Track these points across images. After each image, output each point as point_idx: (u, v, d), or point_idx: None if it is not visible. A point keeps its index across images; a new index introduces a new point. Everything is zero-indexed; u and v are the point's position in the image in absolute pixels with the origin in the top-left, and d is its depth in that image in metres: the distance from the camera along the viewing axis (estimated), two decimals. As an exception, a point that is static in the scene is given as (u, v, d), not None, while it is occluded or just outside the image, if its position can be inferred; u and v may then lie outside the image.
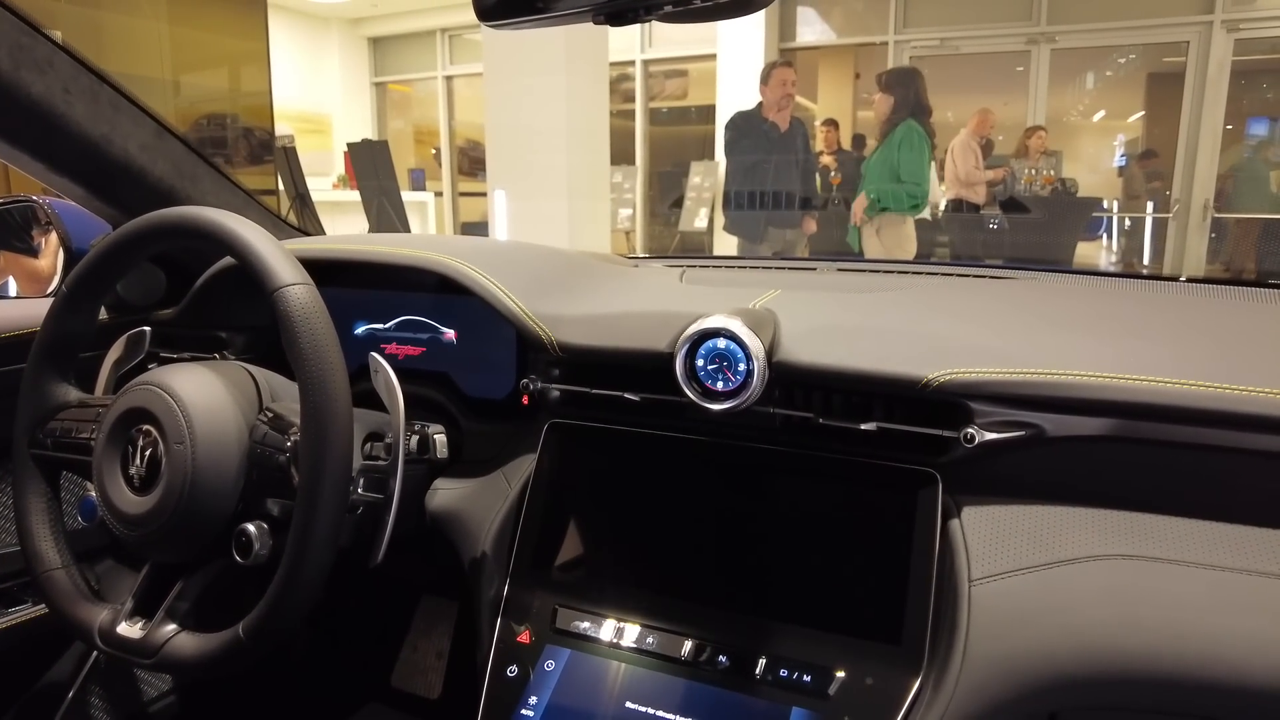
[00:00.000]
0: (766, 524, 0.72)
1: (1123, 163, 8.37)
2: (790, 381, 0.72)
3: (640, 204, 8.67)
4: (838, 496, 0.71)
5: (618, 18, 0.53)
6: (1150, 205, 7.41)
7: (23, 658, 0.99)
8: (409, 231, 6.16)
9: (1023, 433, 0.66)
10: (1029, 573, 0.63)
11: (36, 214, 1.20)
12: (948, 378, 0.66)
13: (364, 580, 0.66)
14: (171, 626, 0.69)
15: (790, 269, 1.15)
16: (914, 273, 1.09)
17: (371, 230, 6.19)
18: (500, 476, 0.84)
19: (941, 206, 5.74)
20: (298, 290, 0.66)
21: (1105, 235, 7.89)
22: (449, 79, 9.70)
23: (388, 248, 0.91)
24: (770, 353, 0.70)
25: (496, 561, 0.78)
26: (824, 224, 4.68)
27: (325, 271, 0.99)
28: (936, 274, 1.07)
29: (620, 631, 0.72)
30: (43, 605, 0.96)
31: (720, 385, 0.70)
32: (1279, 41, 6.70)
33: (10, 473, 1.03)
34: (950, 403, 0.67)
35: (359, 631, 1.37)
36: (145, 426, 0.71)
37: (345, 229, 7.45)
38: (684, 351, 0.71)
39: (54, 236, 1.18)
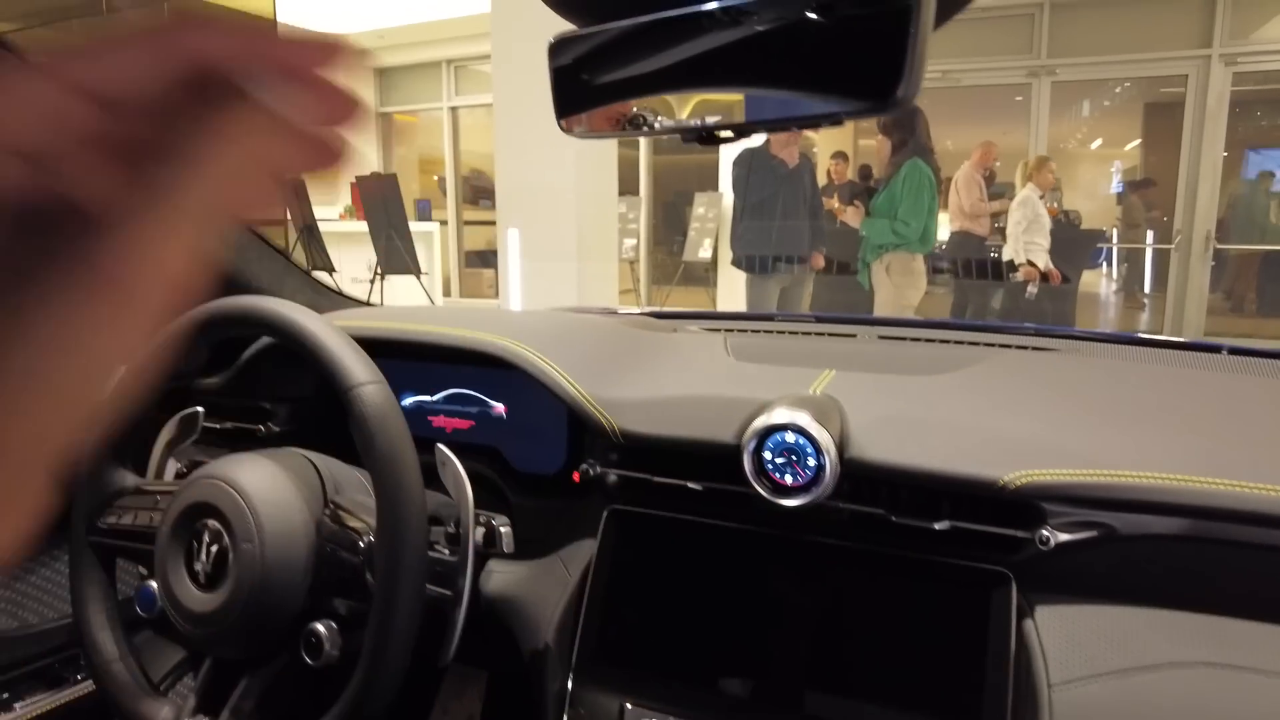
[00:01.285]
0: (835, 622, 0.72)
1: (1119, 189, 8.44)
2: (859, 476, 0.71)
3: (645, 233, 8.72)
4: (908, 595, 0.70)
5: (706, 140, 0.53)
6: (1150, 235, 7.46)
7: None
8: (417, 265, 6.18)
9: (1096, 533, 0.66)
10: (1109, 678, 0.62)
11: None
12: (1024, 480, 0.66)
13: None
14: None
15: (830, 335, 1.15)
16: (955, 341, 1.09)
17: (379, 262, 6.21)
18: (558, 562, 0.83)
19: (945, 239, 5.76)
20: (371, 391, 0.65)
21: (1105, 265, 7.94)
22: (454, 110, 9.79)
23: (447, 329, 0.91)
24: (841, 447, 0.70)
25: (559, 654, 0.78)
26: (832, 255, 4.70)
27: (379, 344, 0.99)
28: (979, 344, 1.07)
29: None
30: (87, 683, 0.95)
31: (789, 479, 0.70)
32: (1277, 74, 6.78)
33: (49, 548, 1.03)
34: (1024, 504, 0.67)
35: None
36: (211, 522, 0.70)
37: (352, 260, 7.47)
38: (752, 445, 0.71)
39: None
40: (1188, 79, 6.93)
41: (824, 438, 0.68)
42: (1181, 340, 1.16)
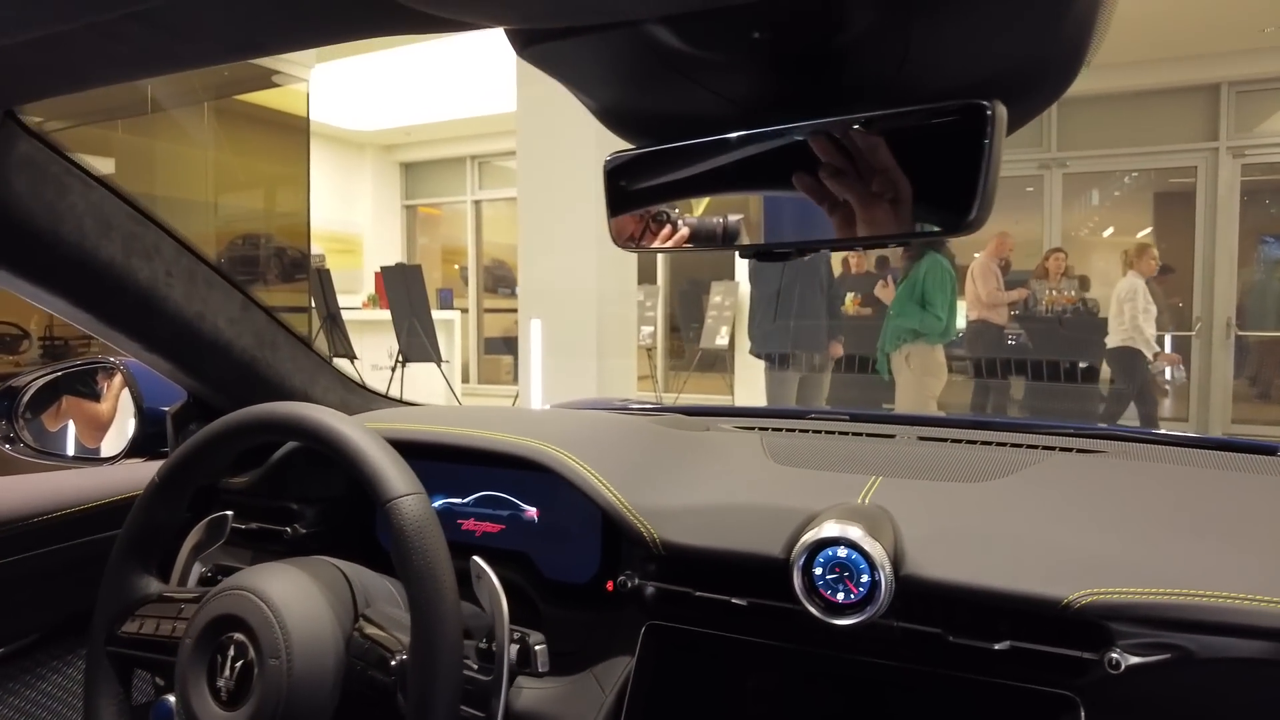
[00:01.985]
0: None
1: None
2: (913, 594, 0.68)
3: (662, 321, 8.80)
4: None
5: (765, 255, 0.53)
6: (1169, 322, 7.44)
7: None
8: (438, 353, 6.24)
9: (1169, 655, 0.62)
10: None
11: (112, 374, 1.21)
12: (1090, 599, 0.62)
13: None
14: None
15: (868, 435, 1.13)
16: (997, 443, 1.06)
17: (401, 350, 6.28)
18: (591, 679, 0.79)
19: (962, 328, 5.76)
20: (411, 503, 0.64)
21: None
22: (477, 203, 10.07)
23: (482, 431, 0.90)
24: (896, 563, 0.67)
25: None
26: (850, 344, 4.71)
27: (412, 446, 0.98)
28: (1022, 445, 1.04)
29: None
30: None
31: (841, 597, 0.67)
32: (1285, 167, 6.88)
33: (63, 653, 1.00)
34: (1088, 623, 0.64)
35: None
36: (237, 635, 0.67)
37: (374, 347, 7.56)
38: (801, 561, 0.68)
39: (126, 396, 1.18)
40: (1197, 170, 7.05)
41: (878, 553, 0.66)
42: (1233, 440, 1.12)
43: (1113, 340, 5.60)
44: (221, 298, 0.96)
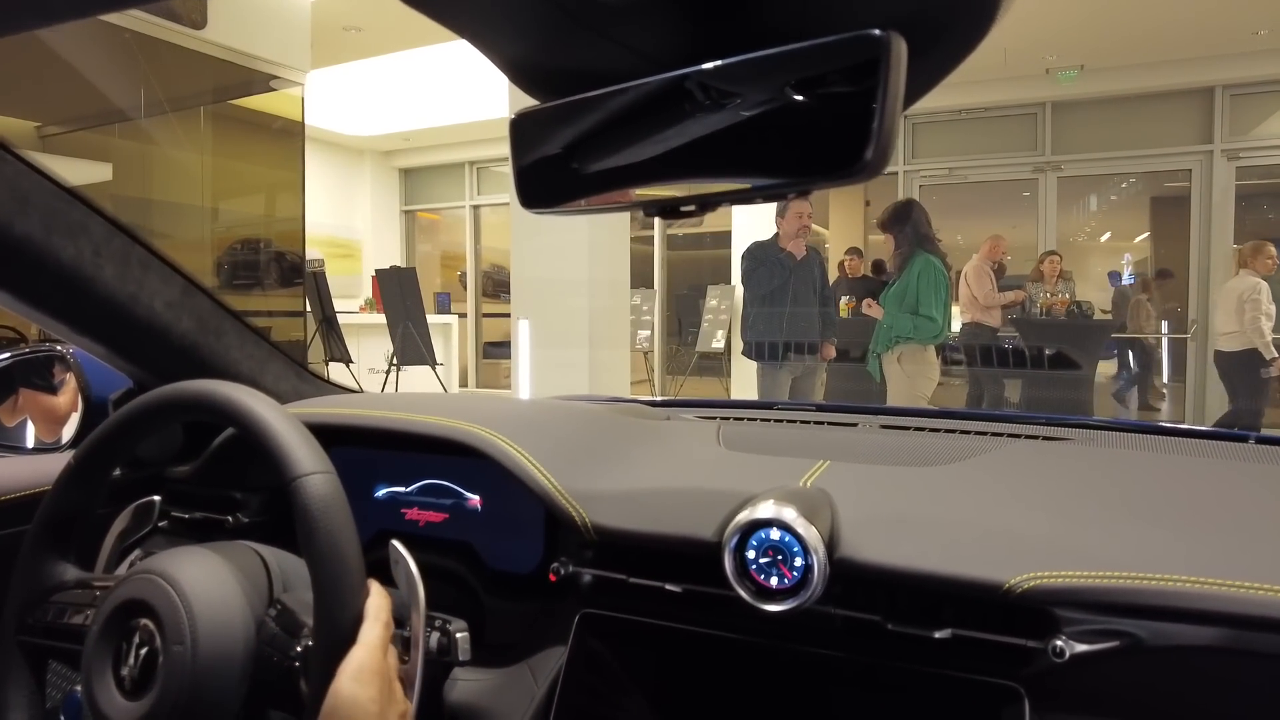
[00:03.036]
0: None
1: (1130, 281, 8.44)
2: (850, 579, 0.65)
3: (658, 325, 8.78)
4: (909, 713, 0.63)
5: (667, 213, 0.50)
6: (1165, 325, 7.41)
7: None
8: (432, 355, 6.21)
9: (1117, 643, 0.59)
10: None
11: (59, 362, 1.18)
12: (1031, 584, 0.59)
13: None
14: None
15: (830, 424, 1.10)
16: (961, 431, 1.03)
17: (396, 352, 6.26)
18: (526, 670, 0.76)
19: (956, 330, 5.72)
20: (317, 481, 0.61)
21: (1117, 355, 7.86)
22: (476, 208, 10.07)
23: (415, 415, 0.87)
24: (831, 546, 0.64)
25: None
26: (843, 344, 4.67)
27: (348, 432, 0.95)
28: (986, 433, 1.02)
29: None
30: None
31: (775, 581, 0.64)
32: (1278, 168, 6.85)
33: None
34: (1032, 609, 0.60)
35: None
36: (143, 621, 0.64)
37: (371, 350, 7.54)
38: (733, 543, 0.65)
39: (72, 384, 1.16)
40: (1191, 173, 7.03)
41: (811, 535, 0.63)
42: (1206, 429, 1.09)
43: (1229, 344, 5.22)
44: (158, 281, 0.94)
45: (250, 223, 7.16)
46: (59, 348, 1.19)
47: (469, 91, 8.05)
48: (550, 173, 0.54)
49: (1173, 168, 7.27)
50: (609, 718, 0.71)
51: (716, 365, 8.12)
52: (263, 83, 6.83)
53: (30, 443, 1.21)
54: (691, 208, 0.48)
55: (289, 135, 7.10)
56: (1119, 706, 0.60)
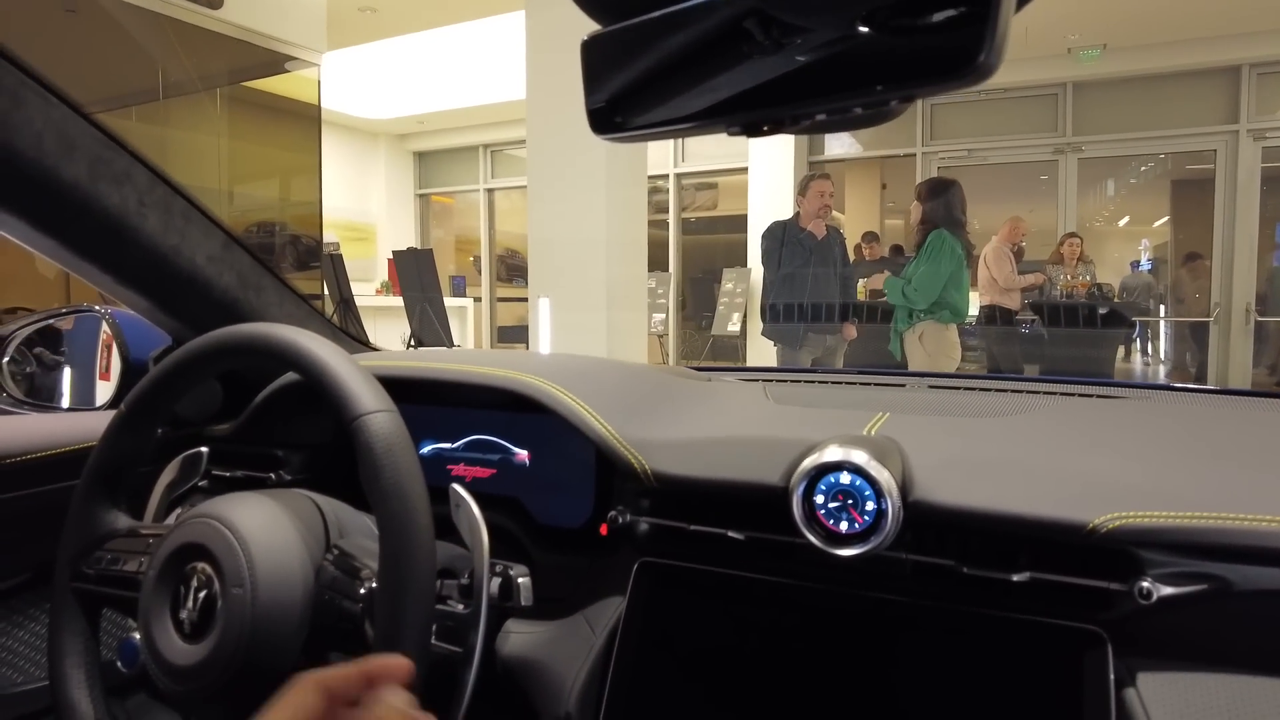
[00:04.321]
0: (898, 691, 0.62)
1: (1149, 267, 8.33)
2: (923, 523, 0.63)
3: (673, 309, 8.75)
4: (984, 659, 0.61)
5: (753, 128, 0.48)
6: (1176, 308, 7.33)
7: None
8: (450, 336, 6.21)
9: (1205, 586, 0.57)
10: None
11: (97, 323, 1.18)
12: (1117, 524, 0.57)
13: None
14: None
15: (878, 385, 1.08)
16: (1014, 390, 1.01)
17: (414, 334, 6.26)
18: (582, 620, 0.75)
19: (975, 313, 5.67)
20: (380, 419, 0.60)
21: (1139, 339, 7.78)
22: (490, 191, 10.05)
23: (467, 366, 0.86)
24: (904, 489, 0.62)
25: None
26: (864, 330, 4.63)
27: (391, 389, 0.94)
28: (1039, 392, 0.99)
29: None
30: None
31: (845, 527, 0.62)
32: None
33: (38, 600, 0.97)
34: (1115, 551, 0.59)
35: None
36: (201, 565, 0.64)
37: (387, 333, 7.55)
38: (801, 488, 0.63)
39: (113, 347, 1.15)
40: (1216, 154, 6.91)
41: (884, 478, 0.61)
42: (1250, 390, 1.07)
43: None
44: (200, 233, 0.92)
45: (267, 206, 7.17)
46: (97, 308, 1.19)
47: (483, 74, 8.01)
48: (625, 97, 0.52)
49: (1197, 148, 7.15)
50: (670, 665, 0.69)
51: (732, 349, 8.08)
52: (278, 64, 6.82)
53: (69, 402, 1.21)
54: (783, 120, 0.45)
55: (305, 118, 7.09)
56: (1203, 652, 0.58)
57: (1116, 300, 7.03)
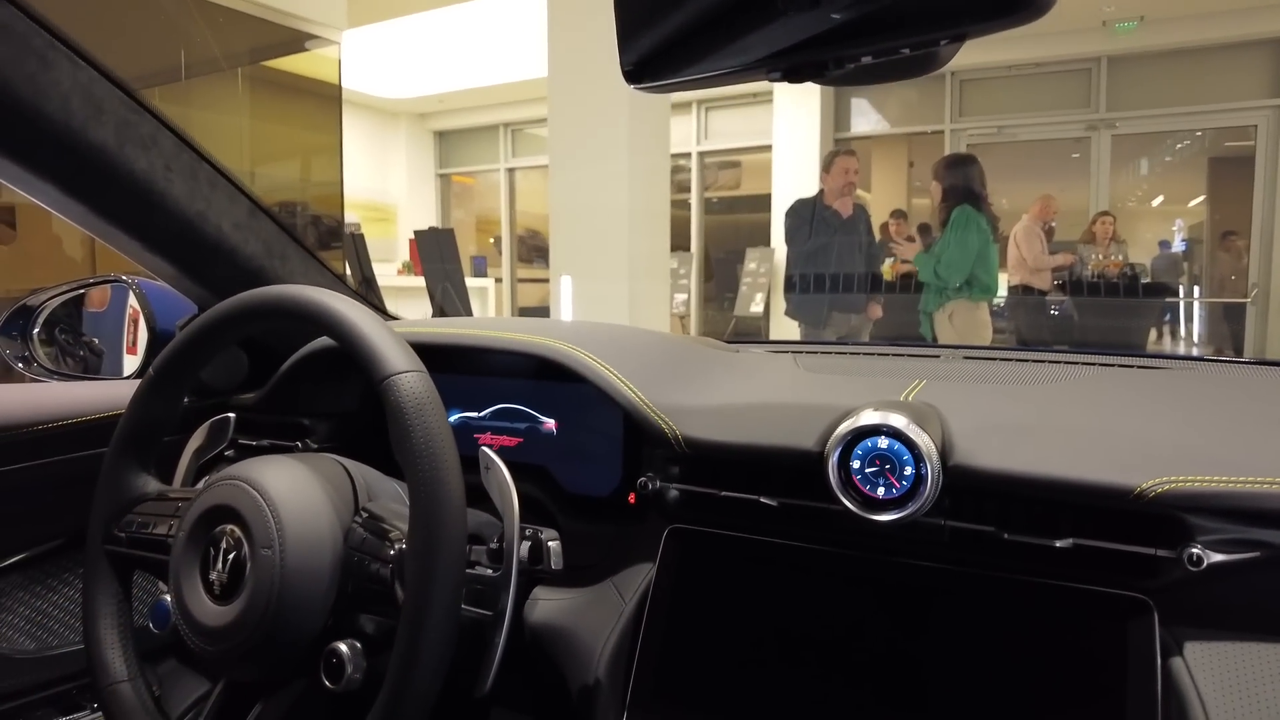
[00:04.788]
0: (935, 659, 0.61)
1: (1183, 247, 8.15)
2: (962, 489, 0.61)
3: (695, 289, 8.71)
4: (1025, 626, 0.59)
5: (795, 73, 0.46)
6: (1206, 289, 7.17)
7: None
8: (470, 313, 6.23)
9: (1257, 554, 0.55)
10: None
11: (125, 294, 1.18)
12: (1166, 488, 0.55)
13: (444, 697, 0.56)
14: None
15: (911, 355, 1.06)
16: (1053, 361, 0.98)
17: (435, 314, 6.28)
18: (611, 587, 0.74)
19: (1004, 293, 5.58)
20: (411, 379, 0.59)
21: (1173, 321, 7.63)
22: (510, 171, 10.03)
23: (497, 333, 0.85)
24: (944, 454, 0.60)
25: (612, 689, 0.68)
26: (891, 307, 4.58)
27: (422, 353, 0.93)
28: (1078, 363, 0.97)
29: None
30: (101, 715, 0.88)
31: (881, 492, 0.61)
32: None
33: (82, 567, 0.98)
34: (1163, 517, 0.57)
35: None
36: (230, 527, 0.63)
37: (409, 313, 7.57)
38: (838, 452, 0.62)
39: (140, 321, 1.15)
40: (1257, 129, 6.73)
41: (924, 441, 0.59)
42: None
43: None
44: (226, 200, 0.92)
45: (288, 186, 7.20)
46: (124, 278, 1.19)
47: (503, 52, 7.97)
48: (661, 43, 0.50)
49: (1238, 123, 6.96)
50: (701, 632, 0.68)
51: (755, 330, 8.04)
52: (299, 42, 6.82)
53: (98, 371, 1.22)
54: (824, 67, 0.43)
55: (325, 97, 7.10)
56: (1252, 621, 0.56)
57: (1149, 281, 6.90)
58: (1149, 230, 9.16)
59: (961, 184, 3.82)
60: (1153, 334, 6.66)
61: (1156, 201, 9.16)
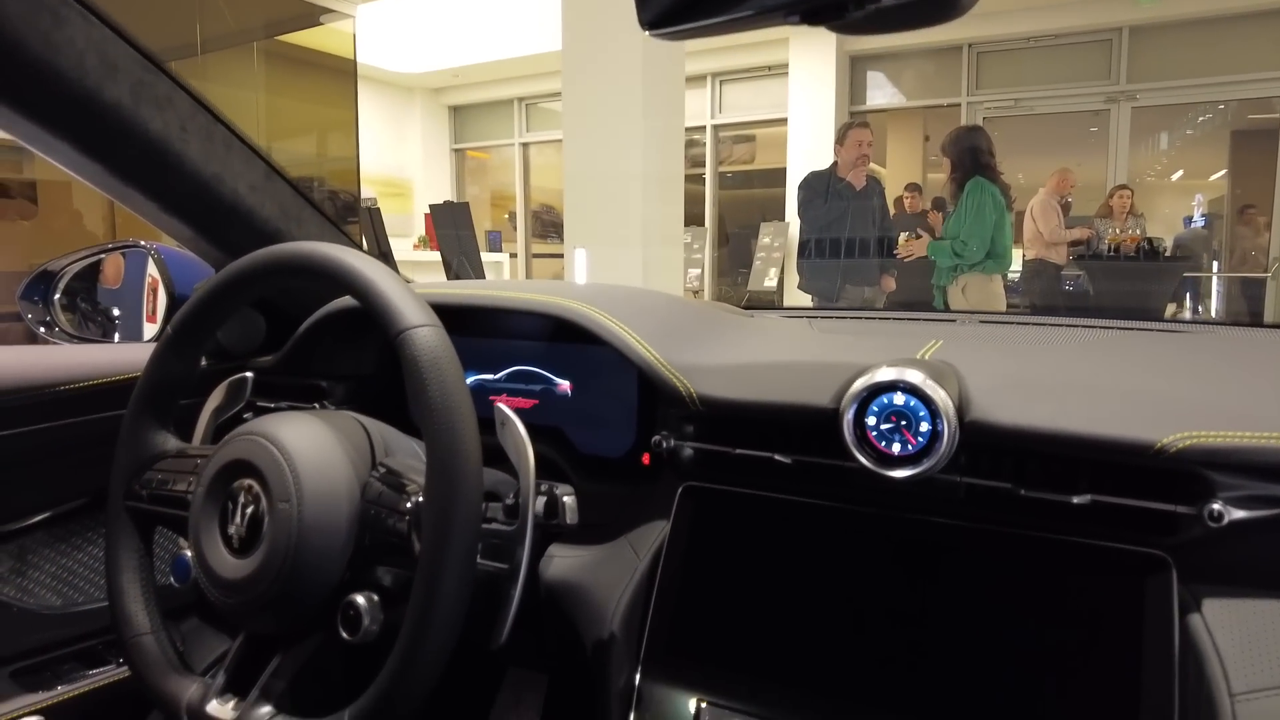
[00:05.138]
0: (948, 615, 0.61)
1: (1203, 222, 8.03)
2: (979, 445, 0.61)
3: (709, 264, 8.68)
4: (1041, 582, 0.59)
5: (814, 16, 0.45)
6: (1223, 263, 7.06)
7: (104, 723, 0.93)
8: (484, 289, 6.23)
9: (1279, 510, 0.55)
10: None
11: (143, 259, 1.19)
12: (1188, 443, 0.55)
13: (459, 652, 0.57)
14: (266, 709, 0.61)
15: (927, 320, 1.05)
16: (1070, 325, 0.98)
17: (447, 288, 6.28)
18: (626, 545, 0.75)
19: (1018, 267, 5.52)
20: (426, 333, 0.59)
21: (1190, 296, 7.54)
22: (525, 146, 9.98)
23: (512, 293, 0.85)
24: (961, 409, 0.60)
25: (626, 645, 0.69)
26: (905, 280, 4.54)
27: (439, 314, 0.93)
28: (1095, 327, 0.96)
29: None
30: (126, 669, 0.90)
31: (897, 449, 0.61)
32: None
33: (104, 524, 0.99)
34: (1183, 473, 0.56)
35: (438, 700, 1.27)
36: (248, 481, 0.64)
37: (421, 287, 7.58)
38: (853, 409, 0.62)
39: (159, 289, 1.16)
40: (1282, 100, 6.59)
41: (940, 397, 0.59)
42: None
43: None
44: (241, 163, 0.92)
45: (304, 162, 7.20)
46: (143, 243, 1.20)
47: (517, 26, 7.90)
48: None
49: (1263, 94, 6.82)
50: (714, 588, 0.69)
51: (769, 305, 8.01)
52: (313, 16, 6.79)
53: (118, 335, 1.23)
54: (845, 7, 0.43)
55: (340, 72, 7.08)
56: (1273, 578, 0.55)
57: (1167, 255, 6.80)
58: (1167, 205, 9.02)
59: (969, 156, 3.77)
60: (1170, 308, 6.59)
61: (1176, 176, 9.02)
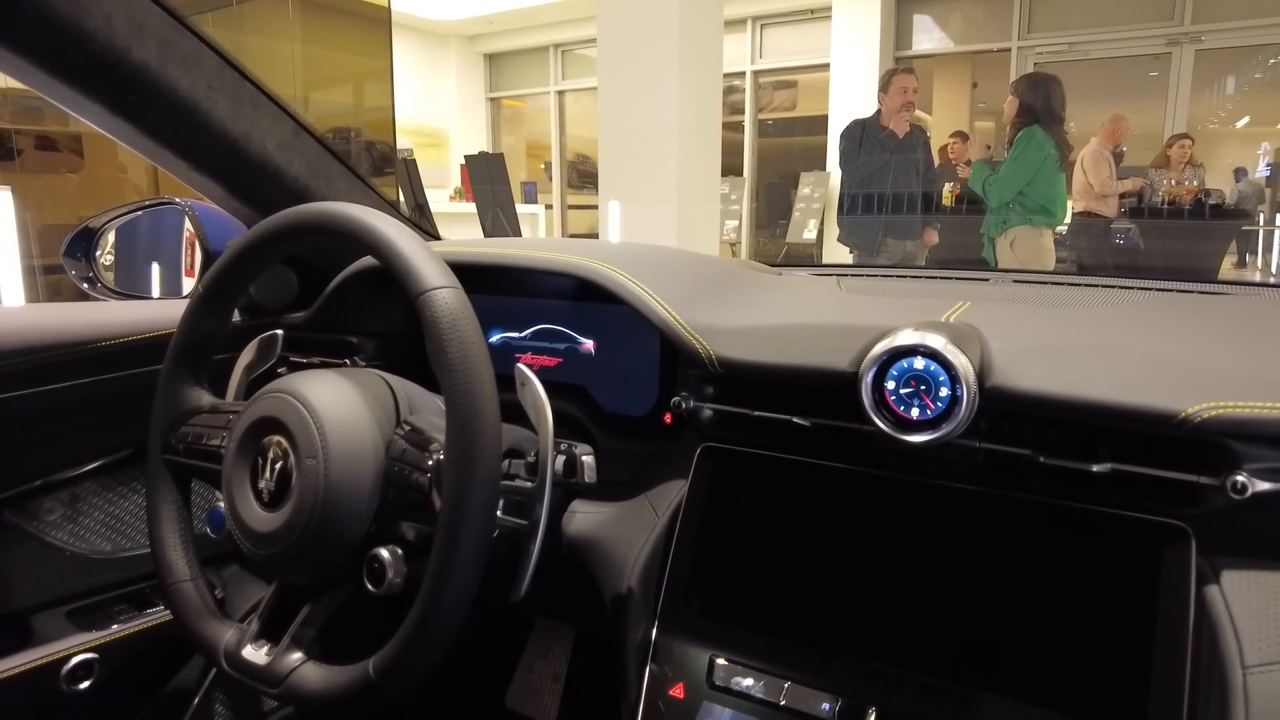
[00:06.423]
0: (963, 580, 0.61)
1: (1267, 172, 7.67)
2: (999, 411, 0.61)
3: (747, 215, 8.56)
4: (1058, 550, 0.59)
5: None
6: None
7: (153, 661, 0.98)
8: (519, 235, 6.24)
9: None
10: None
11: (179, 216, 1.21)
12: (1213, 413, 0.54)
13: (483, 603, 0.59)
14: (297, 655, 0.64)
15: (960, 279, 1.03)
16: (1106, 286, 0.95)
17: (486, 236, 6.32)
18: (645, 503, 0.76)
19: (1068, 219, 5.35)
20: (446, 295, 0.60)
21: (1249, 252, 7.25)
22: (560, 94, 9.87)
23: (535, 252, 0.85)
24: (981, 375, 0.59)
25: (644, 599, 0.70)
26: (948, 234, 4.44)
27: (460, 277, 0.94)
28: (1133, 288, 0.93)
29: (792, 694, 0.62)
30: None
31: (916, 413, 0.60)
32: None
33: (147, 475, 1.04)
34: (1207, 443, 0.55)
35: (471, 648, 1.32)
36: (276, 438, 0.66)
37: (460, 237, 7.63)
38: (872, 373, 0.61)
39: (194, 237, 1.19)
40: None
41: (961, 362, 0.58)
42: None
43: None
44: (269, 120, 0.93)
45: (342, 113, 7.20)
46: (177, 200, 1.22)
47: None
48: None
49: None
50: (731, 546, 0.70)
51: (808, 257, 7.90)
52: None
53: (155, 291, 1.26)
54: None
55: (375, 20, 7.02)
56: None
57: (1224, 207, 6.52)
58: (1230, 155, 8.63)
59: (1040, 103, 3.63)
60: (1227, 264, 6.34)
61: (1241, 123, 8.61)
